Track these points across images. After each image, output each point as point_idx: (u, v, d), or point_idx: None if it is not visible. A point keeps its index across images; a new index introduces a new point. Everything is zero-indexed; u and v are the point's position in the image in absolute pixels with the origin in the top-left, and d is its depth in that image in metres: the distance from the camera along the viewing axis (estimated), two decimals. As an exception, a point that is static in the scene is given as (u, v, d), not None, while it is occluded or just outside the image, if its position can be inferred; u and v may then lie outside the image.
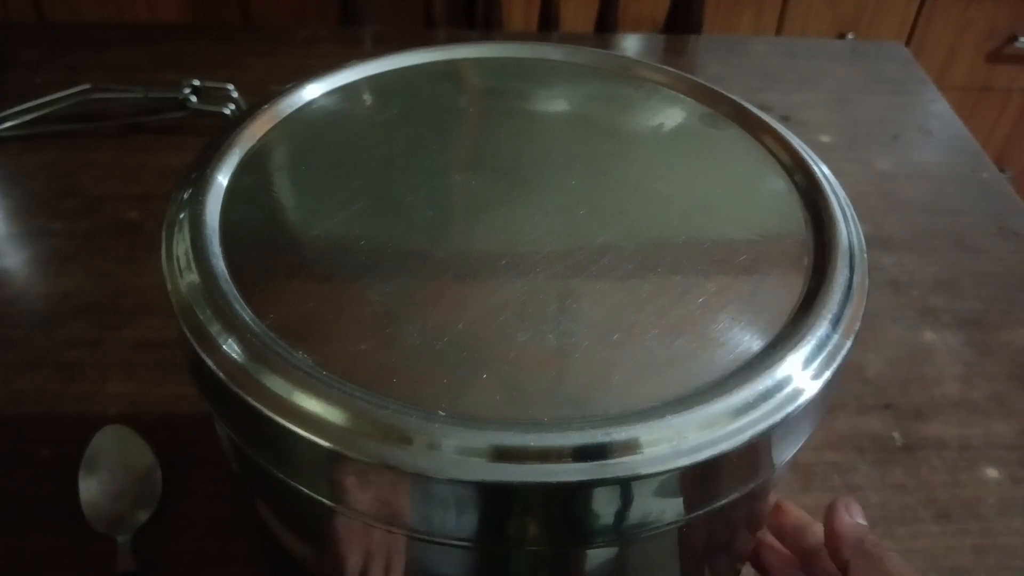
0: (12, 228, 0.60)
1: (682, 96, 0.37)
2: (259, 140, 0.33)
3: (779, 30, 1.34)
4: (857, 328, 0.26)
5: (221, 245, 0.28)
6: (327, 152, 0.32)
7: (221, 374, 0.24)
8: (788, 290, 0.27)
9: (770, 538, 0.36)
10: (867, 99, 0.80)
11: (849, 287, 0.27)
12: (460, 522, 0.23)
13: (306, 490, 0.24)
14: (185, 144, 0.68)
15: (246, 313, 0.25)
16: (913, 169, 0.72)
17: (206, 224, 0.28)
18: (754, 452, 0.24)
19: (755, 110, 0.35)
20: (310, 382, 0.23)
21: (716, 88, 0.36)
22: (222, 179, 0.30)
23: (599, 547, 0.25)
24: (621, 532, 0.23)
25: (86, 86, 0.70)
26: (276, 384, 0.23)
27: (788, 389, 0.24)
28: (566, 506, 0.23)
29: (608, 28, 1.02)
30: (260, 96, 0.35)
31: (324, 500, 0.24)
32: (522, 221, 0.27)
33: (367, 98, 0.36)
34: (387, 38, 0.85)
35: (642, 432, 0.22)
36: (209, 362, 0.24)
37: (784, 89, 0.81)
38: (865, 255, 0.29)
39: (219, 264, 0.27)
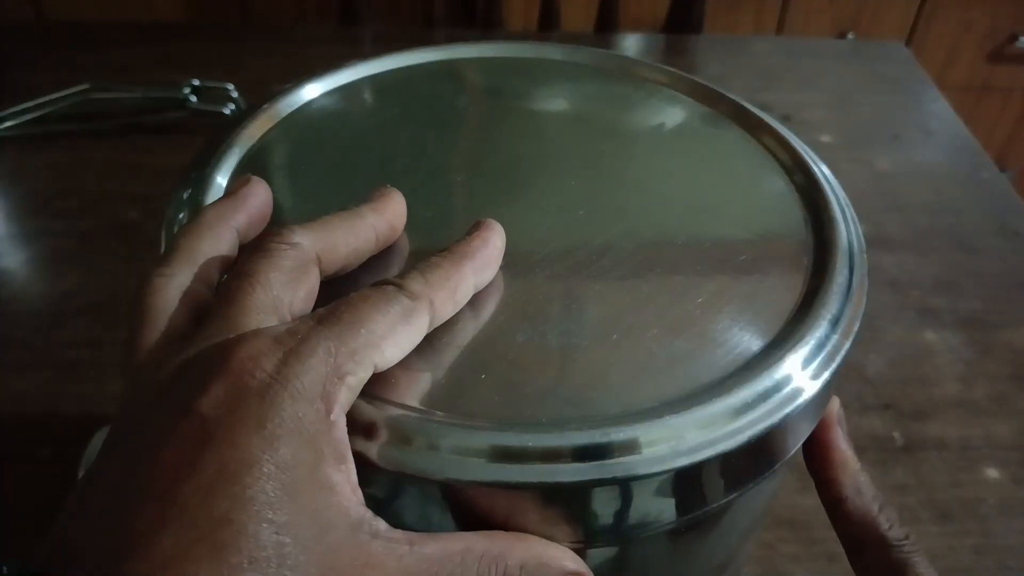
0: (12, 228, 0.60)
1: (682, 96, 0.37)
2: (259, 140, 0.33)
3: (779, 29, 1.35)
4: (857, 328, 0.26)
5: (220, 245, 0.27)
6: (326, 152, 0.32)
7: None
8: (787, 290, 0.27)
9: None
10: (867, 99, 0.80)
11: (849, 287, 0.27)
12: (458, 523, 0.23)
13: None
14: (185, 144, 0.68)
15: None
16: (913, 169, 0.72)
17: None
18: (753, 452, 0.24)
19: (755, 110, 0.35)
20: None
21: (716, 88, 0.36)
22: (221, 179, 0.30)
23: (598, 547, 0.24)
24: (620, 532, 0.23)
25: (85, 86, 0.70)
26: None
27: (787, 389, 0.24)
28: (565, 506, 0.23)
29: (608, 28, 1.02)
30: (260, 96, 0.35)
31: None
32: (522, 221, 0.27)
33: (367, 98, 0.36)
34: (387, 37, 0.85)
35: (641, 432, 0.22)
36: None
37: (784, 89, 0.81)
38: (865, 255, 0.29)
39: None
